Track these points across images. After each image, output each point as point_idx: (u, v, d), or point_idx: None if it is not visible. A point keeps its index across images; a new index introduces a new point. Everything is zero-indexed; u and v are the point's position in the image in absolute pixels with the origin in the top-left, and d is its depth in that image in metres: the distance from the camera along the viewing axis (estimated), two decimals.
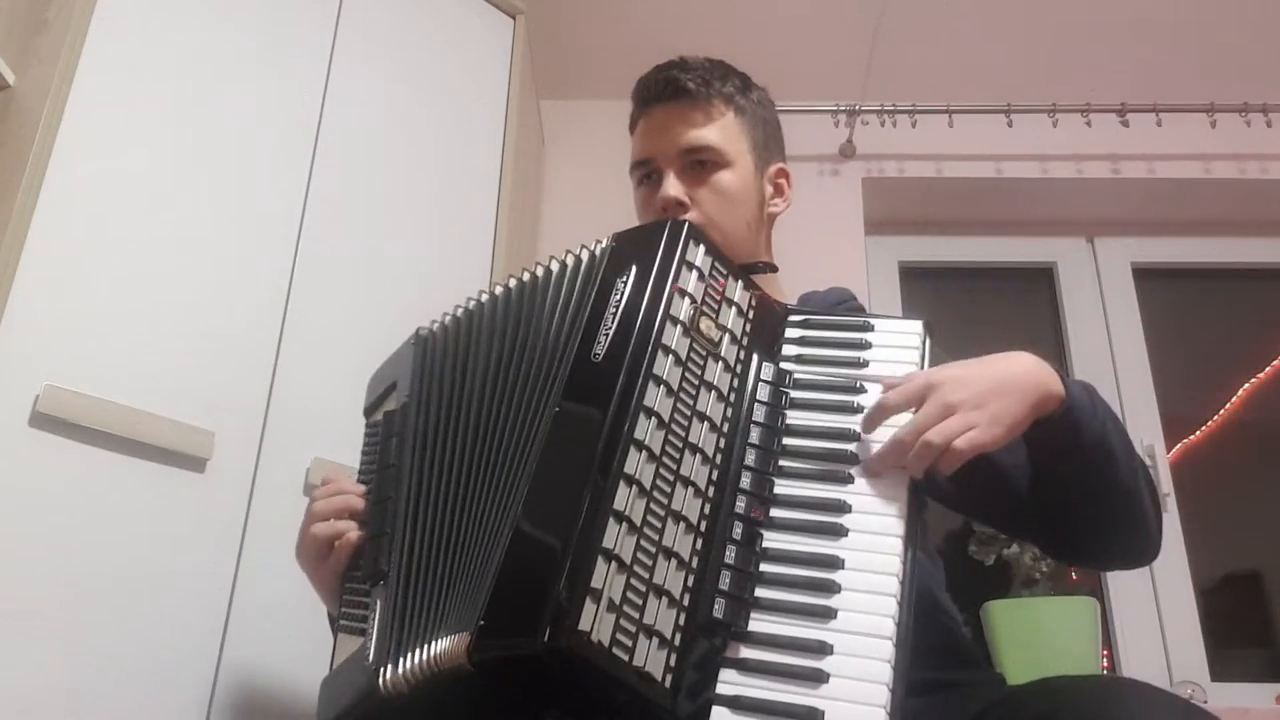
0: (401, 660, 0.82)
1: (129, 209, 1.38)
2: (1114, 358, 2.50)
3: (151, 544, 1.31)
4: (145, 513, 1.31)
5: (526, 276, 1.01)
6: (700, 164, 1.13)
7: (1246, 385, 2.52)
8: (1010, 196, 2.59)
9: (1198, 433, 2.48)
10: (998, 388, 0.86)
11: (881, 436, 0.86)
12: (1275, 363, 2.54)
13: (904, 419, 0.86)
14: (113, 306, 1.34)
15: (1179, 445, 2.45)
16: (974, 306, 2.73)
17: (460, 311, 1.06)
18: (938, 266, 2.68)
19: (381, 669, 0.83)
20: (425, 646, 0.80)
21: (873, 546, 0.80)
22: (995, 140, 2.49)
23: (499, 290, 1.03)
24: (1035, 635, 1.87)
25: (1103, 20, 2.37)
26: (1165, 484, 2.34)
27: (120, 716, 1.23)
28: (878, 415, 0.86)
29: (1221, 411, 2.50)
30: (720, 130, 1.14)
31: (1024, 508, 1.02)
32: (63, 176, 1.31)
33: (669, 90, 1.15)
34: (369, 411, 1.14)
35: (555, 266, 0.99)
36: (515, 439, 0.87)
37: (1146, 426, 2.41)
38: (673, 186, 1.11)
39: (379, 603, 0.91)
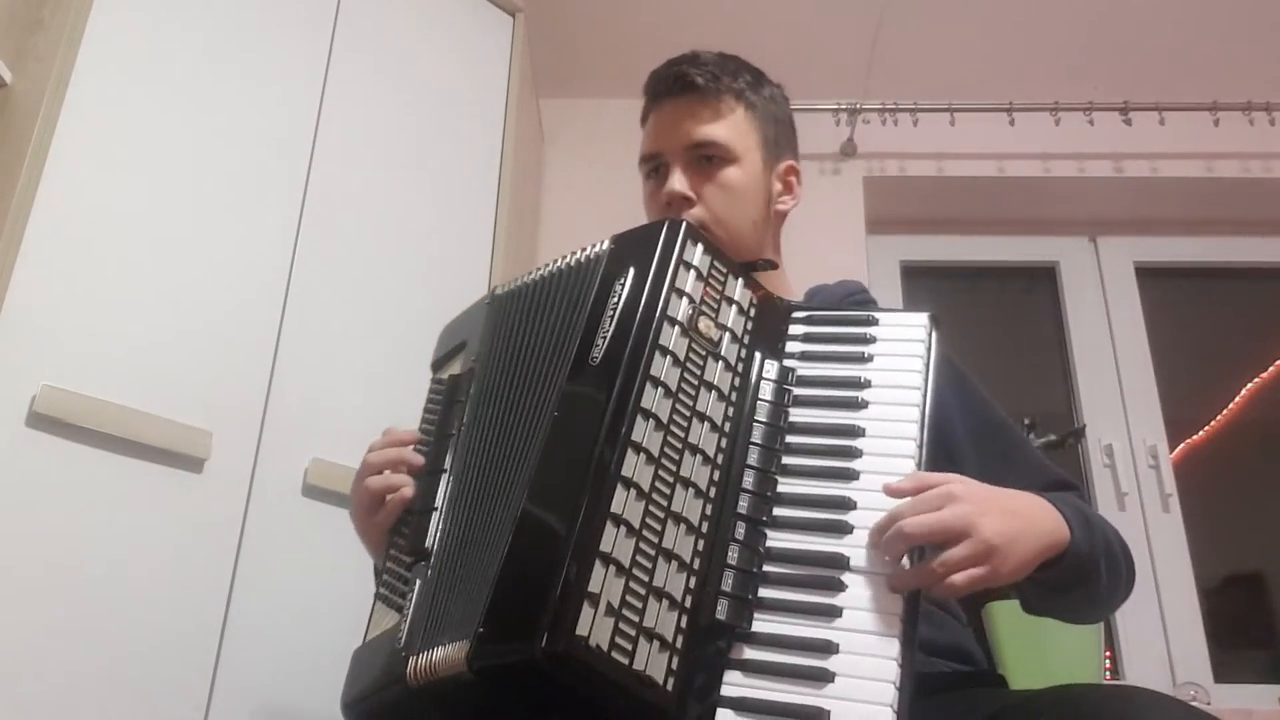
0: (427, 653, 0.80)
1: (126, 208, 1.38)
2: (1116, 357, 2.49)
3: (149, 544, 1.30)
4: (143, 513, 1.31)
5: (536, 274, 1.00)
6: (707, 159, 1.12)
7: (1250, 385, 2.51)
8: (1012, 195, 2.59)
9: (1201, 433, 2.47)
10: (1015, 522, 0.82)
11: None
12: (1278, 362, 2.53)
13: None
14: (110, 306, 1.33)
15: (1182, 445, 2.44)
16: (976, 306, 2.72)
17: (520, 282, 1.03)
18: (939, 266, 2.67)
19: (412, 657, 0.81)
20: (444, 644, 0.79)
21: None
22: (997, 139, 2.48)
23: (540, 273, 1.00)
24: (1037, 636, 1.86)
25: (1105, 19, 2.36)
26: (1169, 484, 2.33)
27: (119, 716, 1.23)
28: (896, 541, 0.78)
29: (1224, 411, 2.49)
30: (728, 126, 1.13)
31: None
32: (59, 176, 1.30)
33: (678, 85, 1.14)
34: (436, 366, 1.12)
35: (561, 265, 0.98)
36: (521, 442, 0.87)
37: (1149, 426, 2.40)
38: (678, 181, 1.10)
39: (418, 583, 0.89)
